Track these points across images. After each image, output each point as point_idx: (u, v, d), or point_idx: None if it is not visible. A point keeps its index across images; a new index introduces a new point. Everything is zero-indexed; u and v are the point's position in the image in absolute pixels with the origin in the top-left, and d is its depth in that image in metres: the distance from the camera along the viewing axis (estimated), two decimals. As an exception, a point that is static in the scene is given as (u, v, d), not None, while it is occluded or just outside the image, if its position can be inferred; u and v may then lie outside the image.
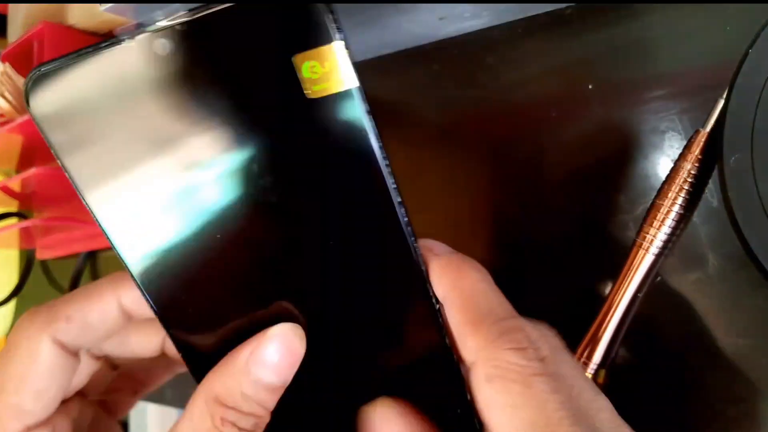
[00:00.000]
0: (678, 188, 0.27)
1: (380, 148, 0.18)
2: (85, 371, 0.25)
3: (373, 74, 0.39)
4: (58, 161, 0.20)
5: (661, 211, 0.27)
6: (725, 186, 0.24)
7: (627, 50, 0.30)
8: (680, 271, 0.28)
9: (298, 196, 0.19)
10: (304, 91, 0.17)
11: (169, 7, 0.30)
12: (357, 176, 0.19)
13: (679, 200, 0.27)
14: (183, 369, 0.24)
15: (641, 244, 0.27)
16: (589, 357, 0.28)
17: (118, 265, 0.20)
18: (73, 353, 0.23)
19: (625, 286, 0.28)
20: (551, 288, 0.31)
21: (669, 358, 0.28)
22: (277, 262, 0.21)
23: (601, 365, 0.28)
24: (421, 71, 0.37)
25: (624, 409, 0.29)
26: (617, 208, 0.29)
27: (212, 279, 0.21)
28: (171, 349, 0.24)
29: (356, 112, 0.18)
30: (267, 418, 0.20)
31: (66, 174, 0.20)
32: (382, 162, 0.18)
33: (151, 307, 0.21)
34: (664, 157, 0.28)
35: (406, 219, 0.19)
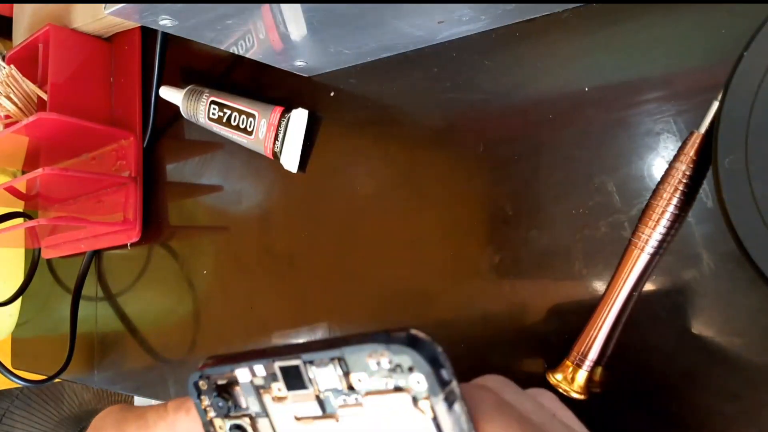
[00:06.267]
0: (673, 189, 0.27)
1: None
2: None
3: (374, 77, 0.40)
4: None
5: (656, 211, 0.27)
6: (720, 187, 0.24)
7: (622, 53, 0.30)
8: (675, 271, 0.28)
9: None
10: None
11: (171, 8, 0.31)
12: None
13: (674, 201, 0.27)
14: None
15: (636, 243, 0.28)
16: (586, 354, 0.28)
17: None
18: None
19: (621, 284, 0.28)
20: (547, 286, 0.32)
21: (664, 357, 0.28)
22: None
23: (597, 362, 0.29)
24: (420, 74, 0.37)
25: (619, 407, 0.29)
26: (613, 208, 0.30)
27: None
28: None
29: None
30: None
31: None
32: None
33: None
34: (659, 158, 0.29)
35: None
